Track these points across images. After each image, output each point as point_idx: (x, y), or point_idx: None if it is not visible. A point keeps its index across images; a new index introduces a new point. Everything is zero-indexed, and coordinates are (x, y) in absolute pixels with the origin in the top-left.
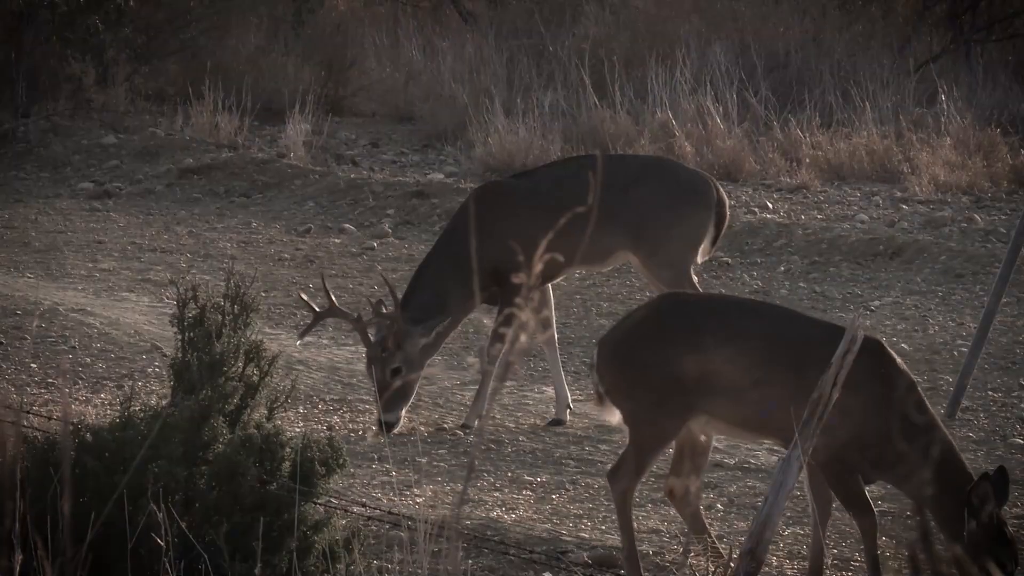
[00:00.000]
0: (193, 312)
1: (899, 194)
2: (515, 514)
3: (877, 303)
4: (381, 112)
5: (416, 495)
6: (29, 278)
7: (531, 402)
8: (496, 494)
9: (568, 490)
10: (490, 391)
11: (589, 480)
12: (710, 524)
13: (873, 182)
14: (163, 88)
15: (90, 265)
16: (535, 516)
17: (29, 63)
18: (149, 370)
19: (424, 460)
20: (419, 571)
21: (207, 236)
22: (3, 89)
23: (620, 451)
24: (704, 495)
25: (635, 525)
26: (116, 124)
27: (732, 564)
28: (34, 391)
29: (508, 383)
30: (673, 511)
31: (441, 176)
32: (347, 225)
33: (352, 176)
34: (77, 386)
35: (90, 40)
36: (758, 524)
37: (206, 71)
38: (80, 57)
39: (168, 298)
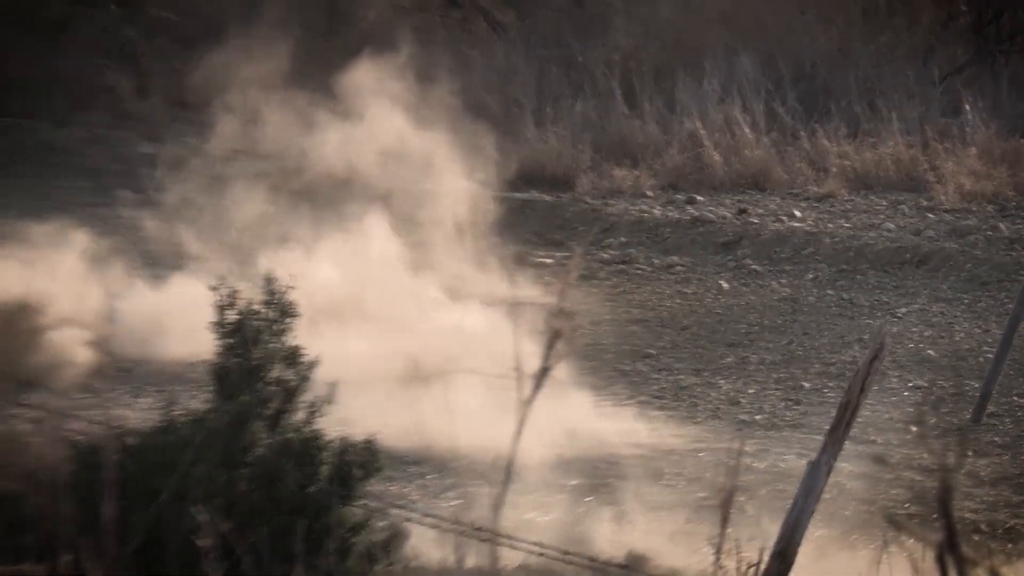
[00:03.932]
0: (233, 318)
1: (925, 203)
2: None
3: (904, 310)
4: None
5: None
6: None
7: None
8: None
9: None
10: None
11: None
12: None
13: (899, 191)
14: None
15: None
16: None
17: (67, 74)
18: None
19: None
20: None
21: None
22: (42, 100)
23: None
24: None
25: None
26: (152, 133)
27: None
28: (76, 395)
29: None
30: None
31: (473, 182)
32: None
33: None
34: (119, 391)
35: (126, 50)
36: (788, 527)
37: None
38: (117, 67)
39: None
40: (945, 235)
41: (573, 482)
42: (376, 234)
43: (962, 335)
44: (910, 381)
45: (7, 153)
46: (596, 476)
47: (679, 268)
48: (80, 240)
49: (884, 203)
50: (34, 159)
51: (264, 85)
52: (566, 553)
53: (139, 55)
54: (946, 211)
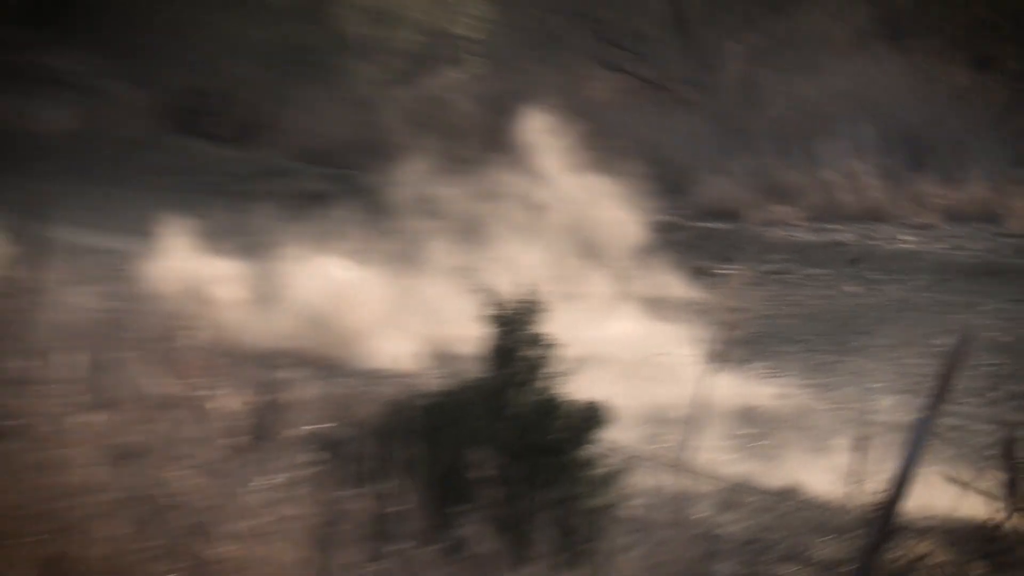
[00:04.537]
0: (500, 312)
1: (998, 230)
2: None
3: (983, 308)
4: None
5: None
6: None
7: None
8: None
9: None
10: None
11: None
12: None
13: (980, 222)
14: None
15: None
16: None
17: None
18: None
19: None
20: (666, 501)
21: None
22: None
23: None
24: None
25: None
26: None
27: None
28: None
29: None
30: None
31: (671, 216)
32: None
33: None
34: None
35: None
36: (902, 464)
37: None
38: None
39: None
40: (1013, 253)
41: (743, 431)
42: (598, 252)
43: None
44: (988, 360)
45: None
46: (759, 426)
47: (820, 277)
48: None
49: (969, 230)
50: None
51: None
52: (739, 483)
53: None
54: (1014, 236)
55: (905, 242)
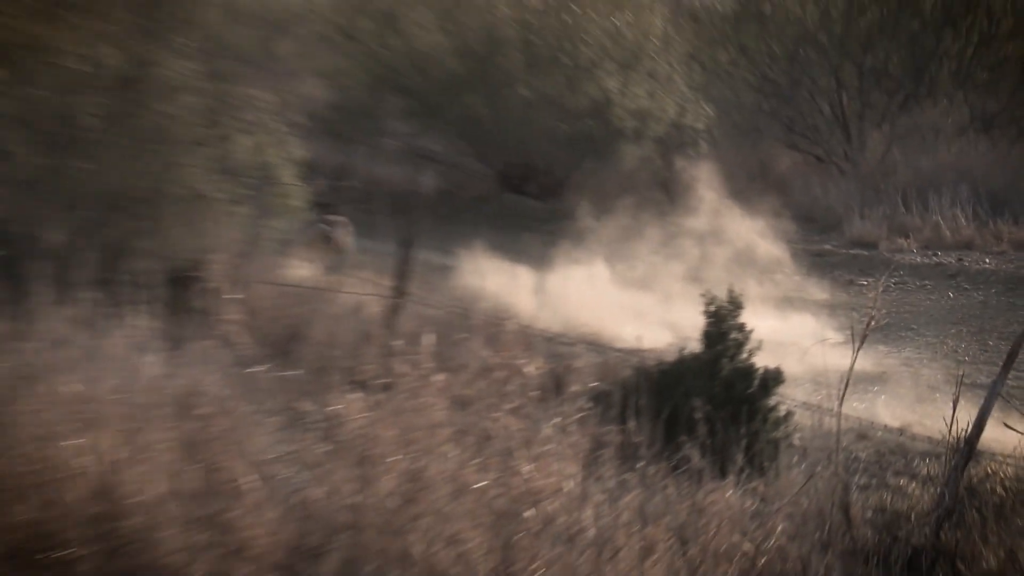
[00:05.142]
0: (712, 308)
1: None
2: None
3: None
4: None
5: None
6: None
7: None
8: None
9: None
10: None
11: None
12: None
13: None
14: None
15: None
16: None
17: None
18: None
19: None
20: (820, 435)
21: None
22: None
23: None
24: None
25: None
26: None
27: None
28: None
29: None
30: None
31: (829, 246)
32: None
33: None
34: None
35: None
36: (981, 412)
37: None
38: None
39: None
40: None
41: (874, 388)
42: (778, 269)
43: None
44: None
45: None
46: (885, 385)
47: (928, 287)
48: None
49: None
50: None
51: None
52: (870, 422)
53: None
54: None
55: (986, 264)
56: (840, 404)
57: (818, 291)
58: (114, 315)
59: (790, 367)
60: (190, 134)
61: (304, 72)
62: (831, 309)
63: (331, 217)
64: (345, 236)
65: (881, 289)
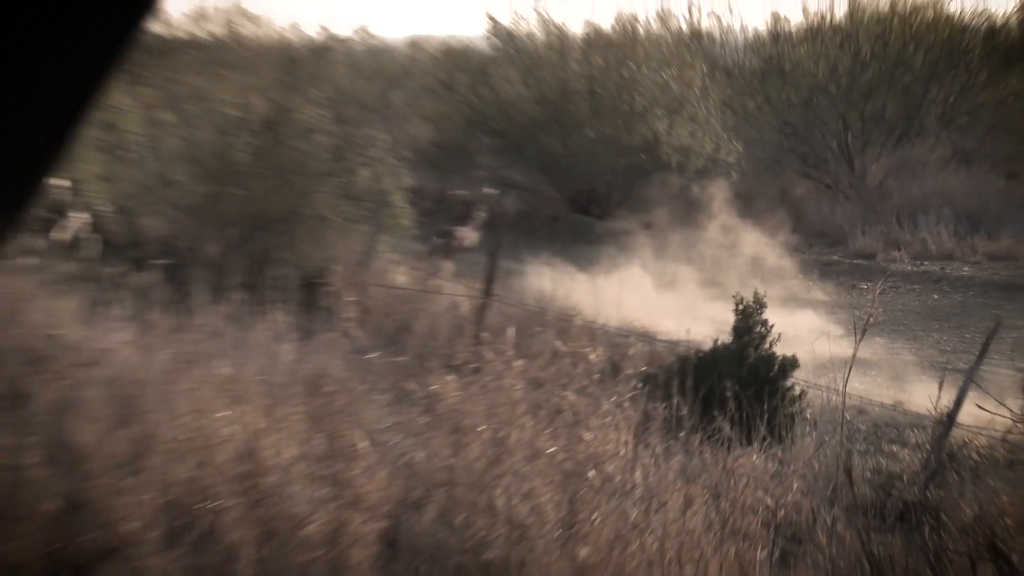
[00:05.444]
0: (740, 307)
1: (1018, 265)
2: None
3: (1008, 307)
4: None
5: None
6: None
7: None
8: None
9: None
10: None
11: None
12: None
13: (1007, 260)
14: None
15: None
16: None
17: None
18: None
19: None
20: (827, 411)
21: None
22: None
23: None
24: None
25: None
26: None
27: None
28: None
29: None
30: None
31: (836, 257)
32: None
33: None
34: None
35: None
36: (960, 392)
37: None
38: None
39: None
40: None
41: (871, 373)
42: (790, 276)
43: None
44: (1009, 336)
45: None
46: (880, 370)
47: (917, 290)
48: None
49: (1000, 265)
50: None
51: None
52: (867, 399)
53: None
54: None
55: (965, 271)
56: (844, 385)
57: (825, 294)
58: (257, 312)
59: (803, 355)
60: (321, 167)
61: (412, 116)
62: (836, 308)
63: (451, 229)
64: (463, 244)
65: (879, 292)
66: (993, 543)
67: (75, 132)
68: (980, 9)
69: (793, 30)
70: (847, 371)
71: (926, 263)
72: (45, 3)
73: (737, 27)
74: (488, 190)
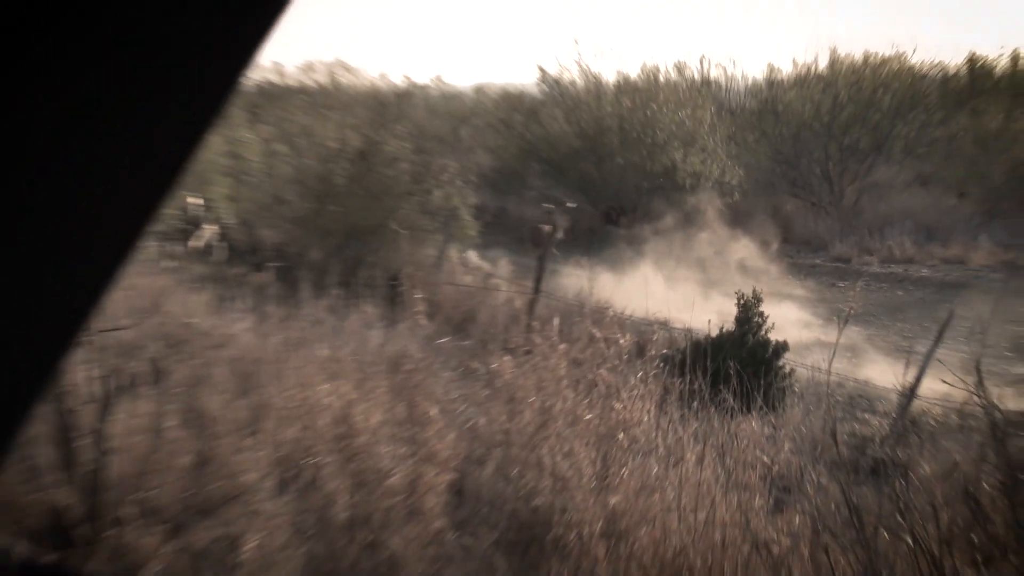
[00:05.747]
0: (741, 300)
1: (968, 267)
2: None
3: (959, 301)
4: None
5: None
6: None
7: None
8: None
9: None
10: None
11: None
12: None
13: (958, 263)
14: None
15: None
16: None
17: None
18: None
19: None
20: (812, 385)
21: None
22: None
23: None
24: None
25: None
26: None
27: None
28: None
29: None
30: None
31: (818, 261)
32: None
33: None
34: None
35: None
36: (920, 369)
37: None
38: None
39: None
40: (973, 278)
41: (848, 354)
42: (777, 277)
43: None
44: (960, 324)
45: None
46: (855, 352)
47: (885, 288)
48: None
49: (953, 268)
50: None
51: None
52: (844, 376)
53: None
54: (975, 270)
55: (924, 273)
56: (830, 364)
57: (808, 291)
58: (351, 305)
59: (792, 340)
60: (403, 188)
61: (476, 148)
62: (818, 303)
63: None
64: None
65: (858, 288)
66: (965, 488)
67: (181, 175)
68: (936, 61)
69: (784, 78)
70: (832, 353)
71: (892, 266)
72: (153, 70)
73: (739, 75)
74: (555, 208)
